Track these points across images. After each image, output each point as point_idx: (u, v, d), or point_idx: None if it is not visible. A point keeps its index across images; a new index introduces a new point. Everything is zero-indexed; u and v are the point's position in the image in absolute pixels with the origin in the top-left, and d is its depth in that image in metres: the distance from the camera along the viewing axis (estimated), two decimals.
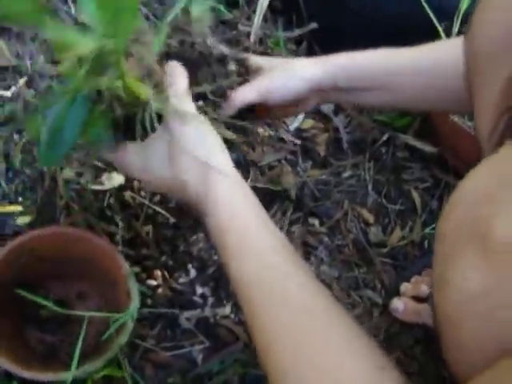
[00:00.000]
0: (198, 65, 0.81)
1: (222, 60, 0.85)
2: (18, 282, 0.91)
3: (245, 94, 0.85)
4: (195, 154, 0.67)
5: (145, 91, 0.67)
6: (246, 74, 0.89)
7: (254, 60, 0.91)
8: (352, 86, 0.90)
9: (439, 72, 0.88)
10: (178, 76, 0.74)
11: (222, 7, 1.29)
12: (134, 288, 0.88)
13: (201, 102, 0.82)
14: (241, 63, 0.87)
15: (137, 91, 0.66)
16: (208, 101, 0.83)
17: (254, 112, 0.90)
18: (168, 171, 0.70)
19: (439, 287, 0.45)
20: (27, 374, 0.80)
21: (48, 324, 0.95)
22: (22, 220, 1.02)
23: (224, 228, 0.66)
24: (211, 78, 0.83)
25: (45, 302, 0.89)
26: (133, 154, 0.73)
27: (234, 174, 0.70)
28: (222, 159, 0.70)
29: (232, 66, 0.86)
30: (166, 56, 0.78)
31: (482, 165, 0.48)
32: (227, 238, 0.65)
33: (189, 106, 0.72)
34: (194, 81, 0.78)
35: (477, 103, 0.69)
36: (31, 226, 1.02)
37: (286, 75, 0.87)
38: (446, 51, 0.89)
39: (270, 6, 1.31)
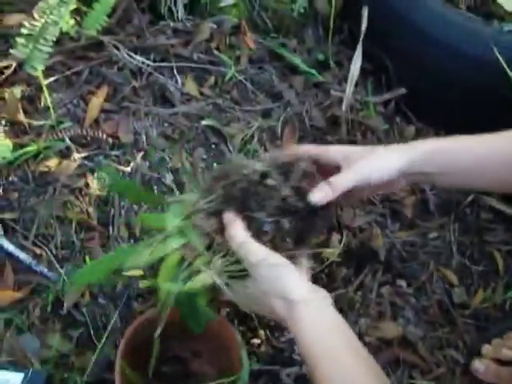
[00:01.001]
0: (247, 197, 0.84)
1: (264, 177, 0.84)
2: (146, 341, 1.07)
3: (342, 184, 0.85)
4: (274, 294, 0.80)
5: None
6: (316, 172, 0.89)
7: (330, 156, 0.92)
8: (436, 171, 0.92)
9: None
10: (233, 224, 0.83)
11: (314, 71, 1.38)
12: (245, 357, 1.01)
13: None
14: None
15: None
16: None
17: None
18: (262, 309, 0.84)
19: None
20: None
21: (169, 378, 1.10)
22: (143, 284, 1.17)
23: (312, 355, 0.77)
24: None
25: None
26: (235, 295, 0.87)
27: (312, 298, 0.80)
28: (299, 288, 0.80)
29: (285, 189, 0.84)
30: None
31: None
32: (318, 363, 0.77)
33: (252, 248, 0.82)
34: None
35: None
36: (150, 288, 1.17)
37: (374, 164, 0.88)
38: None
39: (361, 68, 1.38)
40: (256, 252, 0.82)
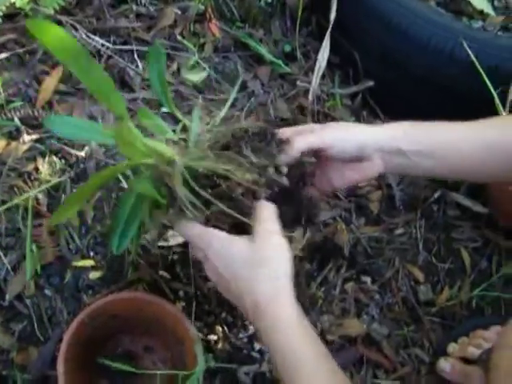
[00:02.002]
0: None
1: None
2: (92, 336, 0.99)
3: (308, 138, 0.84)
4: (271, 269, 0.74)
5: None
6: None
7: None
8: (413, 149, 0.88)
9: (502, 148, 0.87)
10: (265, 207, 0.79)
11: (280, 61, 1.34)
12: (200, 352, 0.95)
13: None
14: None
15: None
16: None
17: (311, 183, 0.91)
18: (246, 273, 0.76)
19: None
20: None
21: (117, 375, 1.03)
22: (94, 275, 1.09)
23: (279, 352, 0.72)
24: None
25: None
26: (218, 258, 0.79)
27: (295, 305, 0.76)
28: (289, 287, 0.76)
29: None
30: None
31: None
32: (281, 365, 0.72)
33: (275, 226, 0.78)
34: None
35: None
36: (102, 280, 1.10)
37: (347, 130, 0.87)
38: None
39: (328, 60, 1.35)
40: (276, 228, 0.78)
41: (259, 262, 0.75)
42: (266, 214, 0.78)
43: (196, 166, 0.80)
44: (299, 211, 0.86)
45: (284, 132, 0.85)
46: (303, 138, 0.82)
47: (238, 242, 0.78)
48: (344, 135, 0.85)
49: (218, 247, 0.79)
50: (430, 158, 0.89)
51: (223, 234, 0.79)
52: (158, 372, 0.96)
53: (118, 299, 0.98)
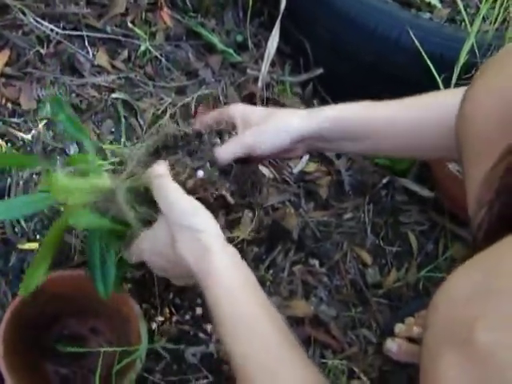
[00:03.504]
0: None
1: (200, 137, 0.88)
2: (36, 318, 0.98)
3: (229, 150, 0.86)
4: (191, 228, 0.74)
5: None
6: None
7: (229, 115, 0.92)
8: (336, 136, 0.91)
9: (425, 128, 0.89)
10: (157, 166, 0.81)
11: (231, 50, 1.35)
12: (144, 329, 0.95)
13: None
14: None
15: None
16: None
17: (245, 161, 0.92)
18: (171, 249, 0.76)
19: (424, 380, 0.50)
20: None
21: (63, 357, 1.02)
22: None
23: (218, 303, 0.71)
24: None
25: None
26: (143, 241, 0.81)
27: (225, 247, 0.75)
28: (215, 232, 0.75)
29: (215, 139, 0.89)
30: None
31: (470, 263, 0.52)
32: (222, 313, 0.71)
33: (170, 185, 0.78)
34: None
35: (465, 176, 0.74)
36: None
37: (270, 129, 0.88)
38: (434, 108, 0.90)
39: (279, 50, 1.37)
40: (178, 190, 0.78)
41: (172, 229, 0.76)
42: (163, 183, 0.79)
43: (135, 184, 0.82)
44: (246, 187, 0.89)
45: (202, 121, 0.90)
46: (229, 147, 0.86)
47: (155, 225, 0.80)
48: (267, 137, 0.88)
49: (146, 244, 0.81)
50: (352, 142, 0.92)
51: (148, 231, 0.81)
52: (102, 349, 0.95)
53: (60, 278, 0.97)
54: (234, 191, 0.86)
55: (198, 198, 0.79)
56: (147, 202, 0.82)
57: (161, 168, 0.81)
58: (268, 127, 0.88)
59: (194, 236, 0.74)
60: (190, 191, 0.80)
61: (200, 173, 0.83)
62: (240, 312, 0.71)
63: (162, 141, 0.87)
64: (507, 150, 0.58)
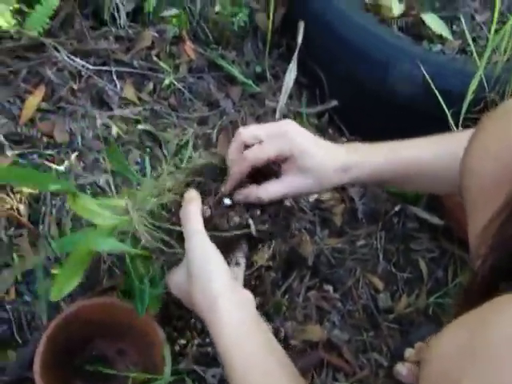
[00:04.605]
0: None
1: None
2: (68, 340, 1.06)
3: (274, 192, 0.88)
4: (200, 279, 0.81)
5: None
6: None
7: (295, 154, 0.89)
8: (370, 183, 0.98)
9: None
10: (190, 200, 0.87)
11: (250, 82, 1.42)
12: (168, 354, 1.02)
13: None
14: None
15: None
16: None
17: None
18: (187, 294, 0.84)
19: None
20: None
21: (92, 378, 1.09)
22: None
23: (228, 356, 0.78)
24: None
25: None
26: (171, 275, 0.90)
27: (234, 296, 0.81)
28: (221, 285, 0.81)
29: None
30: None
31: (461, 321, 0.55)
32: (230, 362, 0.77)
33: (195, 225, 0.84)
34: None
35: (468, 222, 0.79)
36: (79, 287, 1.16)
37: (313, 182, 0.89)
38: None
39: (296, 81, 1.44)
40: (197, 233, 0.83)
41: (190, 274, 0.83)
42: (189, 212, 0.85)
43: (154, 206, 0.90)
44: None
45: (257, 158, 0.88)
46: (274, 189, 0.88)
47: (182, 263, 0.87)
48: (309, 188, 0.90)
49: (172, 279, 0.90)
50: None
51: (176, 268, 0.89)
52: (131, 374, 1.02)
53: (92, 305, 1.05)
54: (263, 221, 0.91)
55: (220, 229, 0.86)
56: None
57: (192, 193, 0.88)
58: (312, 179, 0.89)
59: (205, 285, 0.81)
60: (214, 220, 0.87)
61: (227, 201, 0.90)
62: (249, 361, 0.77)
63: (195, 171, 0.93)
64: (499, 210, 0.64)
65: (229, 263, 0.88)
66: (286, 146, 0.87)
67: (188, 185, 0.91)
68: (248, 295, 0.85)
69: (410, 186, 1.02)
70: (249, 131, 0.89)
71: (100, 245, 0.92)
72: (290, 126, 0.89)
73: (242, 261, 0.92)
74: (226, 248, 0.87)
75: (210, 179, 0.91)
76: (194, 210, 0.86)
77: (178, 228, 0.88)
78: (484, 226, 0.65)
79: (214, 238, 0.84)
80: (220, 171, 0.92)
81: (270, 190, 0.89)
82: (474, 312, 0.56)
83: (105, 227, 0.92)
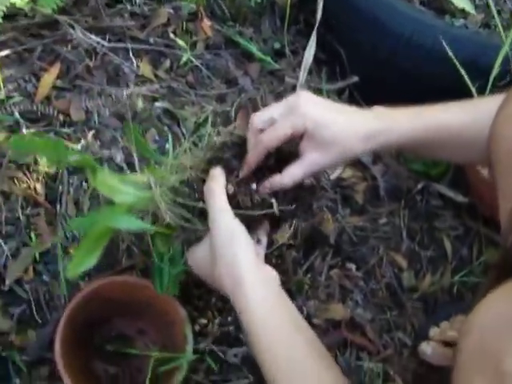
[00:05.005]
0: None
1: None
2: (88, 319, 1.04)
3: (294, 175, 0.84)
4: (226, 254, 0.79)
5: None
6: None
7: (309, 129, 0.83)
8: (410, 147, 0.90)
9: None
10: (214, 177, 0.84)
11: (269, 58, 1.39)
12: (189, 333, 1.00)
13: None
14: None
15: None
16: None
17: None
18: (210, 270, 0.82)
19: None
20: None
21: (112, 357, 1.08)
22: None
23: (254, 333, 0.76)
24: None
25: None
26: (192, 253, 0.87)
27: (259, 273, 0.79)
28: (248, 260, 0.79)
29: None
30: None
31: (500, 292, 0.53)
32: (257, 343, 0.76)
33: (219, 202, 0.81)
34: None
35: (498, 192, 0.77)
36: (97, 266, 1.14)
37: (336, 156, 0.84)
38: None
39: (315, 57, 1.40)
40: (222, 210, 0.81)
41: (214, 249, 0.80)
42: (214, 189, 0.83)
43: (176, 183, 0.87)
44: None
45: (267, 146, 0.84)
46: (295, 172, 0.84)
47: (204, 240, 0.85)
48: (333, 162, 0.85)
49: (194, 256, 0.88)
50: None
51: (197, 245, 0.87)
52: (153, 354, 1.01)
53: (111, 283, 1.03)
54: (286, 200, 0.88)
55: (243, 207, 0.84)
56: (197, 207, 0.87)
57: (217, 171, 0.85)
58: (335, 154, 0.84)
59: (231, 261, 0.78)
60: (237, 198, 0.85)
61: (253, 186, 0.87)
62: (274, 336, 0.76)
63: (215, 149, 0.90)
64: None
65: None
66: (300, 121, 0.82)
67: (210, 162, 0.88)
68: (272, 272, 0.83)
69: (440, 154, 0.96)
70: (259, 116, 0.86)
71: (119, 222, 0.89)
72: (301, 99, 0.83)
73: (264, 239, 0.90)
74: (248, 226, 0.84)
75: (231, 157, 0.89)
76: (218, 187, 0.83)
77: (200, 205, 0.85)
78: None
79: (236, 216, 0.82)
80: (240, 149, 0.89)
81: (292, 174, 0.84)
82: None
83: (124, 204, 0.90)
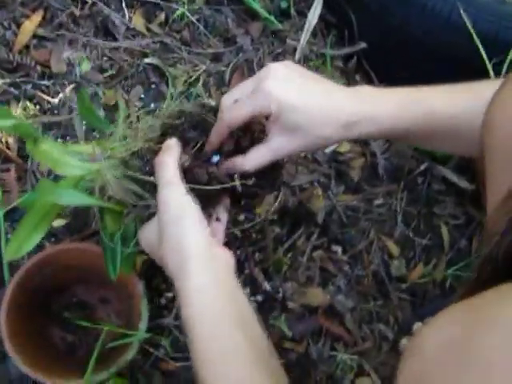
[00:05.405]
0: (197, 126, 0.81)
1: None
2: (46, 286, 0.99)
3: (256, 160, 0.76)
4: (173, 235, 0.70)
5: None
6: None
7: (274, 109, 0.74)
8: (395, 136, 0.81)
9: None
10: (168, 148, 0.75)
11: (273, 18, 1.29)
12: (145, 310, 0.94)
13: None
14: None
15: None
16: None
17: None
18: (157, 248, 0.73)
19: None
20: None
21: (70, 325, 1.03)
22: (58, 223, 1.09)
23: (191, 323, 0.67)
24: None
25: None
26: (142, 231, 0.78)
27: (206, 258, 0.70)
28: (195, 243, 0.70)
29: None
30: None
31: (454, 309, 0.45)
32: (192, 332, 0.67)
33: (169, 174, 0.72)
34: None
35: (486, 189, 0.68)
36: (66, 228, 1.09)
37: (307, 143, 0.75)
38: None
39: (324, 19, 1.29)
40: (172, 184, 0.72)
41: (162, 229, 0.71)
42: (165, 161, 0.74)
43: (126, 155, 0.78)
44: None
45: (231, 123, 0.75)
46: (257, 156, 0.76)
47: (153, 218, 0.76)
48: (302, 147, 0.77)
49: (143, 235, 0.78)
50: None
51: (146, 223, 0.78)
52: (105, 328, 0.95)
53: (68, 250, 0.97)
54: (250, 175, 0.80)
55: (200, 182, 0.76)
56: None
57: (171, 141, 0.76)
58: (305, 140, 0.75)
59: (177, 242, 0.69)
60: (194, 171, 0.77)
61: (215, 158, 0.79)
62: (210, 338, 0.66)
63: (174, 117, 0.83)
64: None
65: (209, 218, 0.79)
66: (264, 101, 0.72)
67: (165, 132, 0.80)
68: (226, 256, 0.73)
69: (431, 143, 0.86)
70: (229, 94, 0.77)
71: (63, 198, 0.81)
72: (270, 75, 0.73)
73: (224, 216, 0.81)
74: (206, 202, 0.76)
75: (189, 127, 0.80)
76: (170, 158, 0.74)
77: (152, 179, 0.77)
78: (504, 197, 0.53)
79: (192, 191, 0.74)
80: (203, 121, 0.81)
81: (254, 158, 0.76)
82: (476, 299, 0.45)
83: (69, 178, 0.82)
